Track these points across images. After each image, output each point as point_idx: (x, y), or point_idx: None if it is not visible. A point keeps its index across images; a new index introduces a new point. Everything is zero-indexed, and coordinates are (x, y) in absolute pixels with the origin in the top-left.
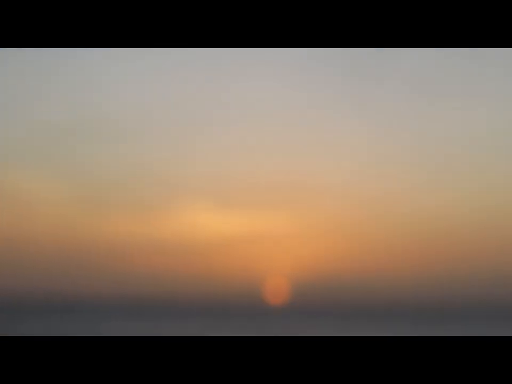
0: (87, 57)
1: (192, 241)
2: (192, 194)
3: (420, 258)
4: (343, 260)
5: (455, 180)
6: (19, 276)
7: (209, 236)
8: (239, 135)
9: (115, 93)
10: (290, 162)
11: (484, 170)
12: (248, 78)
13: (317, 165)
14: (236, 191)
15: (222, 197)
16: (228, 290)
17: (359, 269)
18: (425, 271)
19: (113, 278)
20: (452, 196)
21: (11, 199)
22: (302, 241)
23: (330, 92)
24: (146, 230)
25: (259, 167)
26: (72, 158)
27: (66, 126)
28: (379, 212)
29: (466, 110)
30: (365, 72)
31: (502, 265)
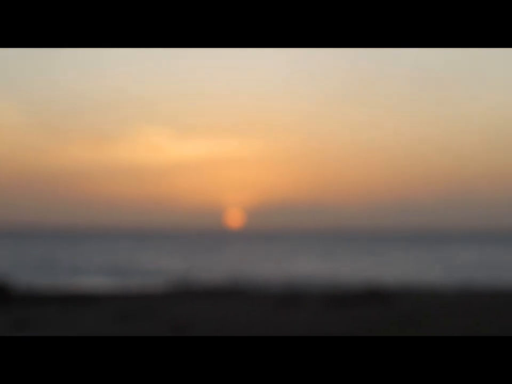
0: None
1: (152, 166)
2: (152, 123)
3: (368, 187)
4: (296, 187)
5: (400, 115)
6: None
7: (169, 161)
8: (205, 72)
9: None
10: (252, 100)
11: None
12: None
13: (276, 104)
14: (196, 119)
15: (182, 125)
16: (188, 213)
17: (311, 196)
18: (374, 198)
19: (72, 204)
20: (399, 129)
21: None
22: (258, 168)
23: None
24: (106, 156)
25: (223, 102)
26: (32, 83)
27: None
28: (330, 145)
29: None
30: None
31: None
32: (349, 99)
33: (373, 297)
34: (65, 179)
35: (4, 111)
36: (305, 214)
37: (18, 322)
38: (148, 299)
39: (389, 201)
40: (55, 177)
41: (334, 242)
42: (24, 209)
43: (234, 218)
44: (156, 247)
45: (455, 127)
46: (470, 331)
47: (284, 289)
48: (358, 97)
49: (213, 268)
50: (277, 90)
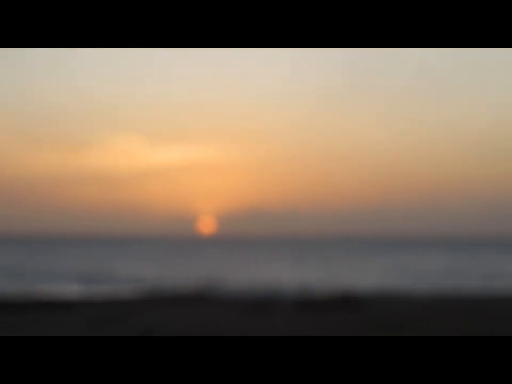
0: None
1: (124, 173)
2: (125, 130)
3: (342, 194)
4: (269, 195)
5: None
6: None
7: (142, 167)
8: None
9: None
10: (227, 107)
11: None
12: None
13: (250, 111)
14: (169, 126)
15: (155, 132)
16: (160, 220)
17: (284, 203)
18: (349, 205)
19: (45, 210)
20: (377, 136)
21: None
22: (231, 175)
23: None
24: (78, 163)
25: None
26: (3, 89)
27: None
28: (305, 153)
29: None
30: None
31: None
32: (327, 107)
33: (345, 303)
34: (38, 186)
35: None
36: (278, 220)
37: None
38: (119, 306)
39: (363, 208)
40: (27, 184)
41: (306, 248)
42: None
43: (207, 225)
44: (128, 254)
45: (437, 135)
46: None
47: (256, 295)
48: (337, 105)
49: (185, 275)
50: (252, 98)
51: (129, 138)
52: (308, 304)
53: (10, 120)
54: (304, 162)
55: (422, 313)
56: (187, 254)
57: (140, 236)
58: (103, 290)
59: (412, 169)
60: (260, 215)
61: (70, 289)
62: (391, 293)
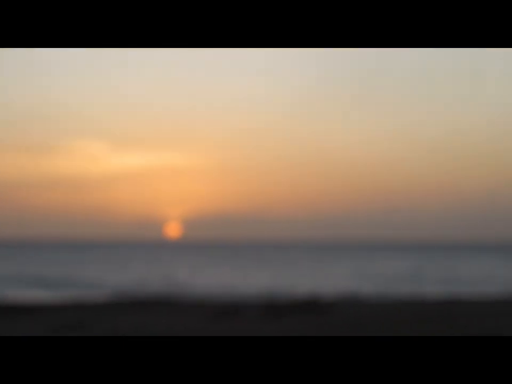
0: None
1: (90, 177)
2: (91, 135)
3: (307, 198)
4: (235, 199)
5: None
6: None
7: (108, 172)
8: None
9: None
10: (193, 112)
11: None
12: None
13: (217, 116)
14: (136, 131)
15: (121, 137)
16: (127, 224)
17: (250, 208)
18: (313, 210)
19: (10, 215)
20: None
21: None
22: (197, 180)
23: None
24: (43, 168)
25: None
26: None
27: None
28: (270, 158)
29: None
30: None
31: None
32: (295, 111)
33: (311, 307)
34: (3, 190)
35: None
36: (244, 225)
37: None
38: (83, 310)
39: (329, 213)
40: None
41: (272, 253)
42: None
43: (173, 230)
44: (94, 258)
45: (398, 141)
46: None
47: (222, 299)
48: (305, 110)
49: (150, 279)
50: (218, 103)
51: (95, 143)
52: (274, 308)
53: None
54: (270, 167)
55: (388, 316)
56: (153, 258)
57: (105, 240)
58: (67, 295)
59: (378, 174)
60: (225, 220)
61: (33, 294)
62: (356, 297)
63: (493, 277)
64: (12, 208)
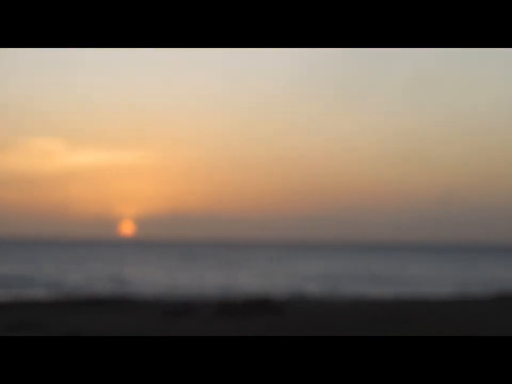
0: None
1: (44, 175)
2: (46, 132)
3: (264, 198)
4: (190, 199)
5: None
6: None
7: (63, 170)
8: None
9: None
10: (150, 111)
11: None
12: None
13: (174, 115)
14: (91, 129)
15: (76, 135)
16: (80, 223)
17: (205, 207)
18: (270, 210)
19: None
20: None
21: None
22: (152, 179)
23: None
24: None
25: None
26: None
27: None
28: (228, 157)
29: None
30: None
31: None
32: (252, 112)
33: (263, 307)
34: None
35: None
36: (198, 224)
37: None
38: (35, 309)
39: (284, 213)
40: None
41: (225, 252)
42: None
43: (128, 228)
44: (47, 257)
45: (356, 142)
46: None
47: (174, 298)
48: (262, 111)
49: (104, 277)
50: (175, 103)
51: (49, 140)
52: (227, 307)
53: None
54: (224, 167)
55: (341, 316)
56: (106, 256)
57: (59, 238)
58: (20, 294)
59: (334, 175)
60: (179, 219)
61: None
62: (308, 296)
63: (444, 277)
64: None
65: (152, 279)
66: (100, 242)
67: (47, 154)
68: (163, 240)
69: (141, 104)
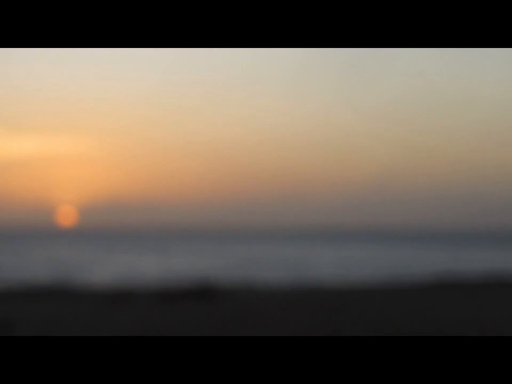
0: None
1: None
2: None
3: (205, 186)
4: (130, 186)
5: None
6: None
7: (0, 158)
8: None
9: None
10: (89, 99)
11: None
12: None
13: (115, 103)
14: (28, 116)
15: (12, 122)
16: (19, 211)
17: (145, 195)
18: (212, 197)
19: None
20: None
21: None
22: (91, 167)
23: None
24: None
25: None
26: None
27: None
28: (168, 145)
29: None
30: None
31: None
32: (190, 102)
33: (203, 294)
34: None
35: None
36: (139, 212)
37: None
38: None
39: (223, 200)
40: None
41: (167, 240)
42: None
43: (67, 217)
44: None
45: (286, 132)
46: (300, 329)
47: (115, 287)
48: (199, 101)
49: (43, 267)
50: (116, 92)
51: None
52: (168, 295)
53: None
54: (163, 155)
55: (278, 304)
56: (46, 245)
57: (0, 228)
58: None
59: (274, 162)
60: (119, 206)
61: None
62: (248, 283)
63: (376, 262)
64: None
65: (91, 267)
66: (40, 232)
67: None
68: (104, 228)
69: (80, 93)
